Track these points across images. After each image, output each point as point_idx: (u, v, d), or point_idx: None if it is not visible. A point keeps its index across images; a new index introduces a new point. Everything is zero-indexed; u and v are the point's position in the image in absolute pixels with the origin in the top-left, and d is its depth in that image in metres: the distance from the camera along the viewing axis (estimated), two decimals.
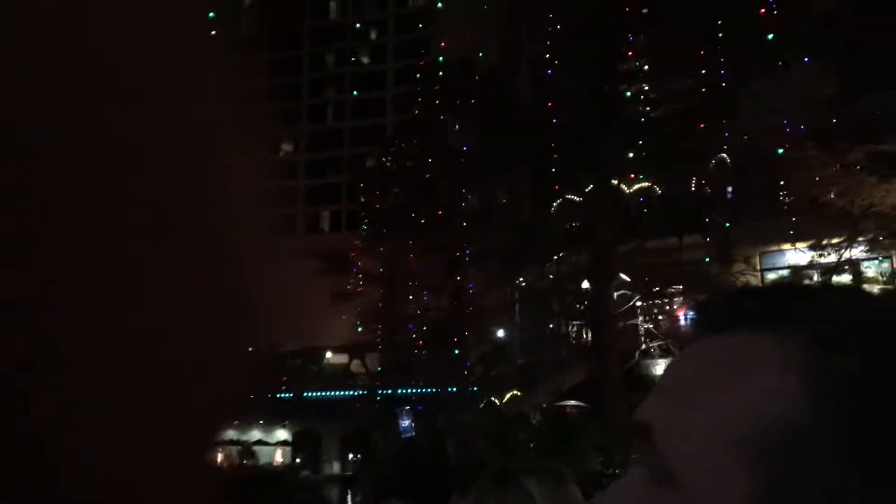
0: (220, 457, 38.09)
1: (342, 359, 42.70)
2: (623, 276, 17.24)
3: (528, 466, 1.79)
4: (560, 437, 10.74)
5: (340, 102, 58.86)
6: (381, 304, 29.10)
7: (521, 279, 25.60)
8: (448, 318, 28.22)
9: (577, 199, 24.34)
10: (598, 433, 10.80)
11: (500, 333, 26.93)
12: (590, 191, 18.24)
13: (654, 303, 18.50)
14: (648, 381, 16.42)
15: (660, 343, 17.90)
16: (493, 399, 24.02)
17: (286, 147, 59.91)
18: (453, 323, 28.10)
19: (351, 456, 42.09)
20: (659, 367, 17.57)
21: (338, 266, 28.12)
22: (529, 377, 22.33)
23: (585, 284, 18.07)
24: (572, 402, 17.06)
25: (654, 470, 0.57)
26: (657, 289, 17.41)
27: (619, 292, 16.17)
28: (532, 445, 12.85)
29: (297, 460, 39.76)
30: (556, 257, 23.30)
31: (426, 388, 30.23)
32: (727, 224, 18.27)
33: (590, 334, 22.51)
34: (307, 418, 39.84)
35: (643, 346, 17.95)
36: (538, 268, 24.48)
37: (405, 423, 26.46)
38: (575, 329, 23.93)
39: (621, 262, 16.35)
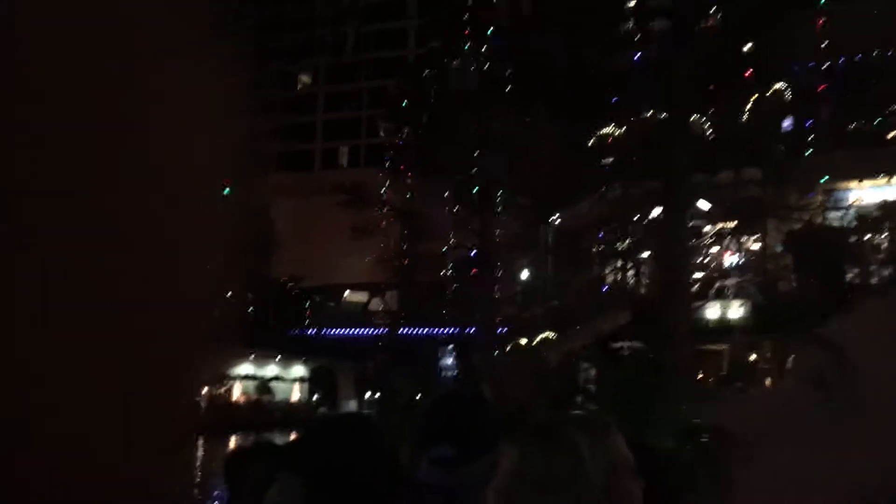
0: (237, 391, 37.64)
1: (361, 297, 41.86)
2: (701, 204, 15.63)
3: (573, 417, 1.77)
4: (633, 385, 9.52)
5: (361, 34, 56.63)
6: (404, 240, 27.88)
7: (556, 216, 24.26)
8: (476, 257, 26.99)
9: (617, 132, 22.86)
10: (668, 381, 9.57)
11: (531, 273, 25.69)
12: (655, 119, 16.73)
13: (723, 238, 16.91)
14: (704, 325, 14.97)
15: (725, 282, 16.22)
16: (521, 341, 22.92)
17: (304, 80, 58.09)
18: (481, 261, 26.89)
19: (367, 395, 41.62)
20: (714, 309, 16.08)
21: (360, 199, 26.79)
22: (564, 318, 21.18)
23: (655, 213, 16.55)
24: (627, 344, 15.74)
25: (838, 390, 0.60)
26: (735, 223, 15.81)
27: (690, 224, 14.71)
28: (598, 391, 11.73)
29: (314, 398, 39.26)
30: (598, 192, 21.89)
31: (451, 329, 29.22)
32: (788, 157, 16.74)
33: (634, 274, 21.23)
34: (324, 356, 39.24)
35: (717, 285, 16.34)
36: (576, 204, 23.10)
37: (447, 362, 25.41)
38: (615, 269, 22.65)
39: (696, 190, 14.87)
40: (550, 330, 22.55)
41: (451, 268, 28.12)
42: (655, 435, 6.92)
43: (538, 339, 22.54)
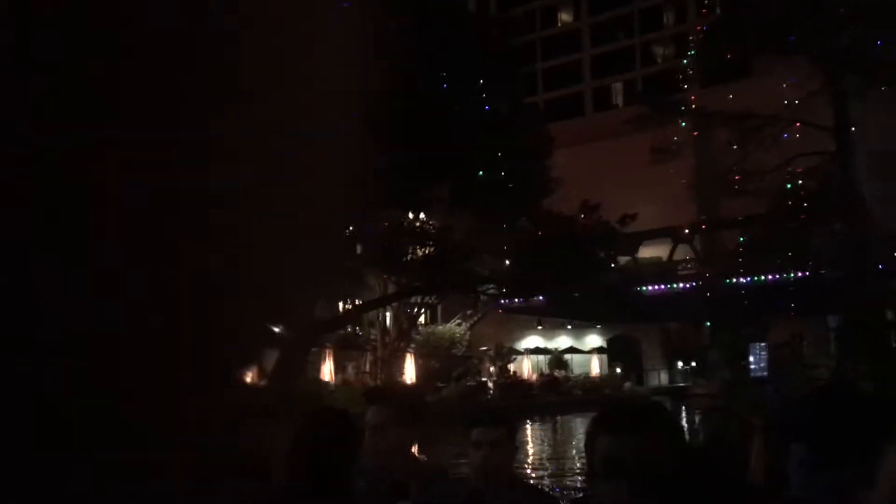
0: (526, 367, 33.04)
1: (659, 250, 35.03)
2: None
3: None
4: None
5: None
6: (720, 158, 20.72)
7: None
8: (833, 167, 19.25)
9: None
10: None
11: None
12: None
13: None
14: None
15: None
16: None
17: (564, 18, 52.02)
18: (842, 172, 19.08)
19: (681, 364, 35.01)
20: None
21: (662, 109, 20.20)
22: None
23: None
24: None
25: None
26: None
27: None
28: None
29: (617, 370, 33.43)
30: None
31: (797, 274, 21.60)
32: None
33: None
34: (623, 320, 33.35)
35: None
36: None
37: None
38: None
39: None
40: None
41: (793, 188, 20.46)
42: None
43: None
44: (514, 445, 2.52)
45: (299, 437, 1.92)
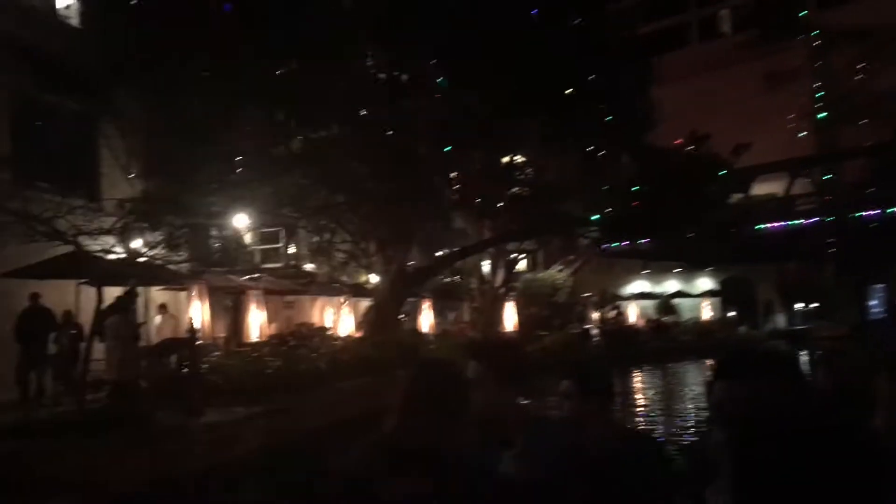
0: (632, 313, 31.84)
1: (774, 187, 32.72)
2: None
3: None
4: None
5: None
6: (849, 78, 18.72)
7: None
8: None
9: None
10: None
11: None
12: None
13: None
14: None
15: None
16: None
17: None
18: None
19: (799, 306, 32.91)
20: None
21: (778, 30, 18.32)
22: None
23: None
24: None
25: None
26: None
27: None
28: None
29: (730, 314, 31.71)
30: None
31: None
32: None
33: None
34: (736, 261, 31.46)
35: None
36: None
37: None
38: None
39: None
40: None
41: None
42: None
43: None
44: (606, 395, 2.64)
45: (406, 389, 1.84)
